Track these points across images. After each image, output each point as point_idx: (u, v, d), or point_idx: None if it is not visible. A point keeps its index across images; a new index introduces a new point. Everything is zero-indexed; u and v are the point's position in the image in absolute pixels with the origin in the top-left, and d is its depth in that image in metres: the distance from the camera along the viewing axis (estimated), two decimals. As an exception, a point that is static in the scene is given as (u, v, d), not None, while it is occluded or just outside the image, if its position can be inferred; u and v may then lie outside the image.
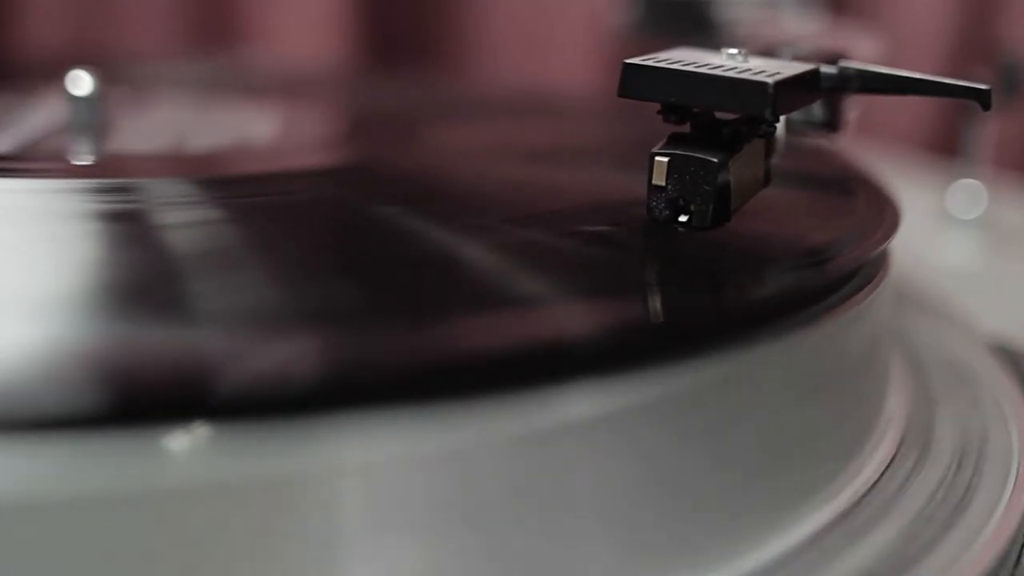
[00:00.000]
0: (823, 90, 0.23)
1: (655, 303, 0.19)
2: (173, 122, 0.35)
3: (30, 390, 0.14)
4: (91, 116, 0.32)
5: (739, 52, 0.22)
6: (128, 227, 0.22)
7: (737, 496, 0.18)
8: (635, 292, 0.20)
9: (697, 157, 0.21)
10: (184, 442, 0.14)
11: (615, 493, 0.17)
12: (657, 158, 0.21)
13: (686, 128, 0.22)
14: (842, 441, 0.21)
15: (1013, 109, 0.43)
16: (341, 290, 0.19)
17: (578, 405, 0.16)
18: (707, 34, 0.38)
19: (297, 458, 0.14)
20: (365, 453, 0.15)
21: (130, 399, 0.14)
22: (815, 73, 0.22)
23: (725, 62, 0.22)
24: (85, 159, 0.31)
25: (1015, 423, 0.24)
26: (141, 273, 0.19)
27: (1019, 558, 0.20)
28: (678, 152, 0.21)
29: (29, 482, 0.14)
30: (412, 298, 0.19)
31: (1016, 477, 0.21)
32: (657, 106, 0.22)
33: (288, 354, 0.15)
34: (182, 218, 0.23)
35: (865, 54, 0.29)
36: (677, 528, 0.17)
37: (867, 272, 0.22)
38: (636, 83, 0.21)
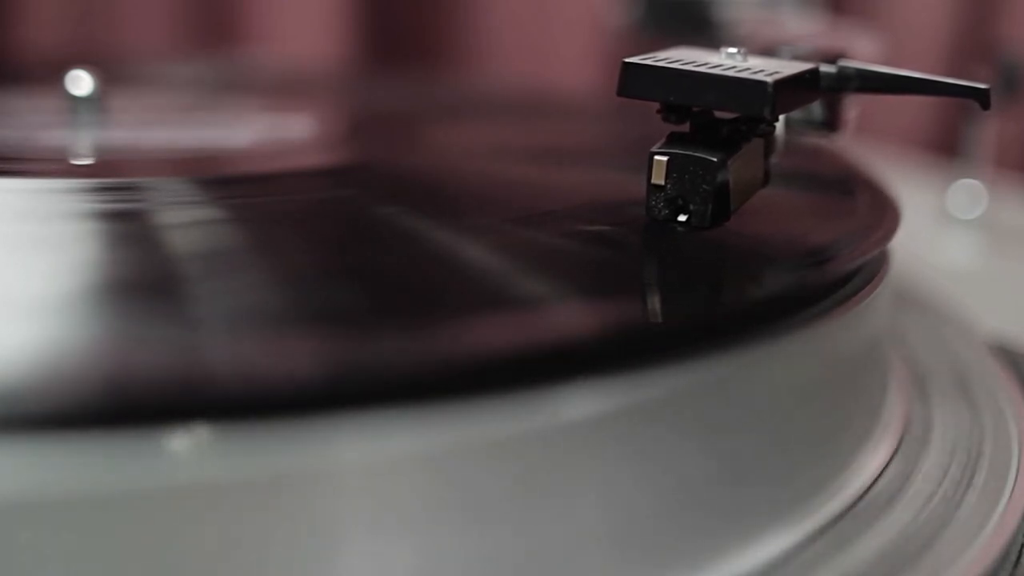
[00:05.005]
0: (822, 89, 0.23)
1: (654, 303, 0.19)
2: (172, 122, 0.35)
3: (30, 390, 0.14)
4: (91, 116, 0.32)
5: (738, 51, 0.22)
6: (128, 227, 0.22)
7: (736, 495, 0.18)
8: (634, 292, 0.20)
9: (696, 156, 0.21)
10: (184, 442, 0.14)
11: (615, 493, 0.17)
12: (656, 157, 0.21)
13: (685, 128, 0.22)
14: (841, 441, 0.21)
15: (1013, 109, 0.43)
16: (341, 290, 0.19)
17: (578, 405, 0.16)
18: (707, 34, 0.38)
19: (297, 458, 0.14)
20: (364, 453, 0.15)
21: (130, 399, 0.14)
22: (814, 72, 0.22)
23: (724, 61, 0.22)
24: (85, 159, 0.31)
25: (1015, 423, 0.24)
26: (141, 273, 0.19)
27: (1019, 558, 0.20)
28: (677, 151, 0.21)
29: (29, 482, 0.14)
30: (412, 298, 0.19)
31: (1016, 477, 0.21)
32: (657, 105, 0.22)
33: (288, 354, 0.15)
34: (182, 218, 0.23)
35: (864, 54, 0.29)
36: (676, 527, 0.17)
37: (867, 272, 0.22)
38: (635, 82, 0.21)
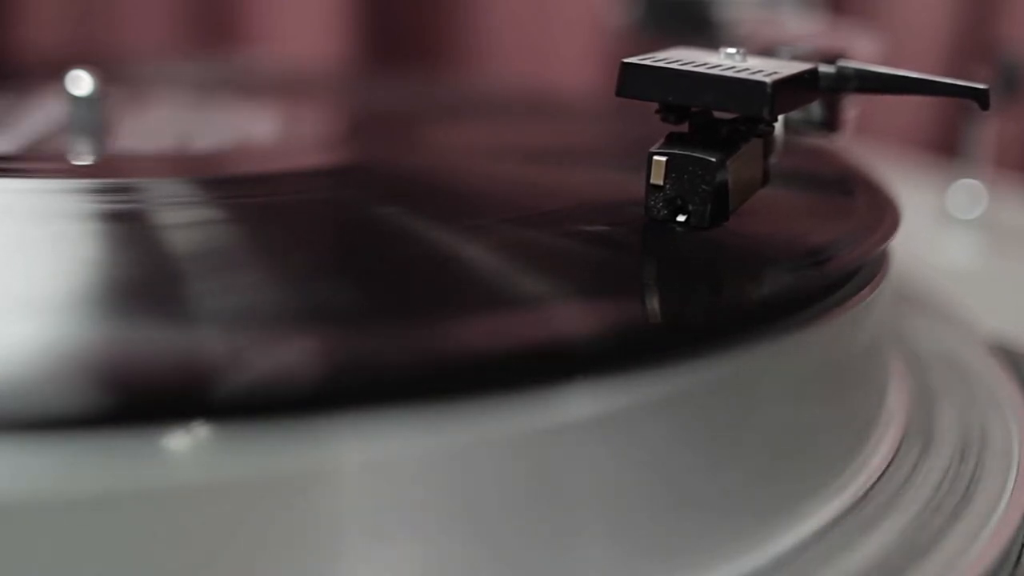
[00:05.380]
0: (821, 90, 0.23)
1: (654, 303, 0.19)
2: (173, 122, 0.35)
3: (30, 390, 0.14)
4: (91, 116, 0.32)
5: (737, 51, 0.22)
6: (128, 227, 0.22)
7: (738, 495, 0.18)
8: (634, 292, 0.20)
9: (695, 156, 0.21)
10: (184, 442, 0.14)
11: (615, 493, 0.17)
12: (655, 157, 0.21)
13: (684, 128, 0.22)
14: (842, 441, 0.21)
15: (1013, 109, 0.43)
16: (341, 290, 0.19)
17: (578, 405, 0.16)
18: (707, 34, 0.38)
19: (297, 458, 0.14)
20: (365, 453, 0.15)
21: (130, 399, 0.14)
22: (813, 72, 0.22)
23: (723, 61, 0.22)
24: (85, 159, 0.31)
25: (1015, 423, 0.24)
26: (141, 273, 0.19)
27: (1019, 558, 0.20)
28: (676, 152, 0.21)
29: (29, 482, 0.14)
30: (412, 298, 0.19)
31: (1016, 476, 0.21)
32: (656, 106, 0.22)
33: (288, 354, 0.15)
34: (182, 218, 0.23)
35: (864, 54, 0.29)
36: (678, 527, 0.17)
37: (867, 272, 0.22)
38: (634, 83, 0.21)
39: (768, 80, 0.20)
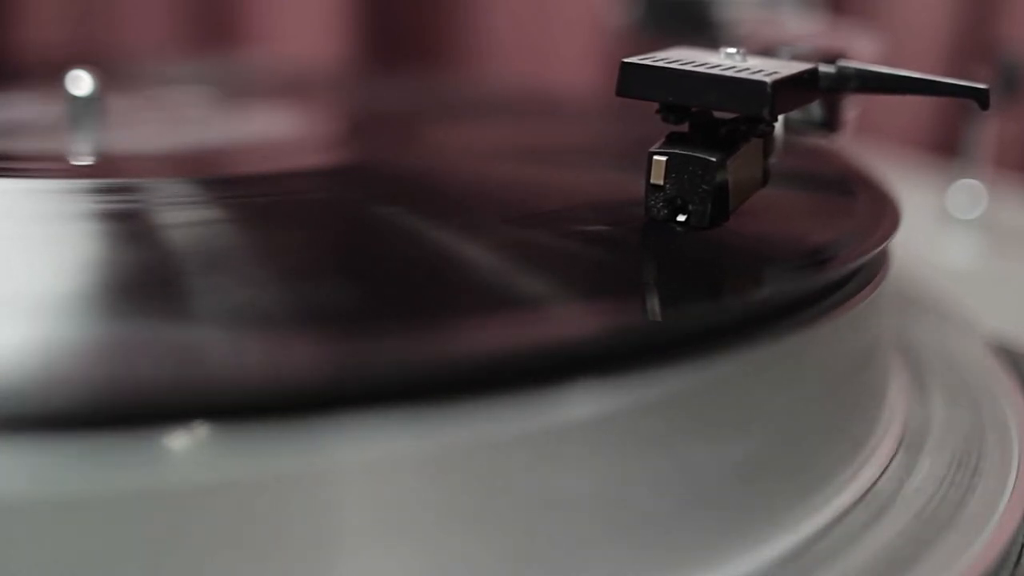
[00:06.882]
0: (821, 89, 0.23)
1: (654, 303, 0.19)
2: (173, 122, 0.35)
3: (30, 390, 0.14)
4: (91, 116, 0.32)
5: (737, 51, 0.22)
6: (128, 227, 0.22)
7: (737, 496, 0.18)
8: (634, 292, 0.20)
9: (695, 156, 0.21)
10: (184, 442, 0.14)
11: (615, 493, 0.17)
12: (655, 157, 0.21)
13: (684, 127, 0.22)
14: (842, 441, 0.21)
15: (1013, 109, 0.43)
16: (341, 290, 0.19)
17: (578, 405, 0.16)
18: (707, 34, 0.38)
19: (297, 458, 0.14)
20: (364, 453, 0.15)
21: (130, 399, 0.14)
22: (813, 72, 0.22)
23: (723, 61, 0.22)
24: (85, 159, 0.31)
25: (1015, 423, 0.24)
26: (141, 273, 0.19)
27: (1019, 558, 0.20)
28: (676, 151, 0.21)
29: (28, 482, 0.14)
30: (412, 298, 0.19)
31: (1016, 477, 0.21)
32: (656, 105, 0.22)
33: (288, 354, 0.15)
34: (182, 218, 0.23)
35: (864, 54, 0.29)
36: (677, 528, 0.17)
37: (867, 272, 0.22)
38: (634, 82, 0.21)
39: (768, 80, 0.20)
